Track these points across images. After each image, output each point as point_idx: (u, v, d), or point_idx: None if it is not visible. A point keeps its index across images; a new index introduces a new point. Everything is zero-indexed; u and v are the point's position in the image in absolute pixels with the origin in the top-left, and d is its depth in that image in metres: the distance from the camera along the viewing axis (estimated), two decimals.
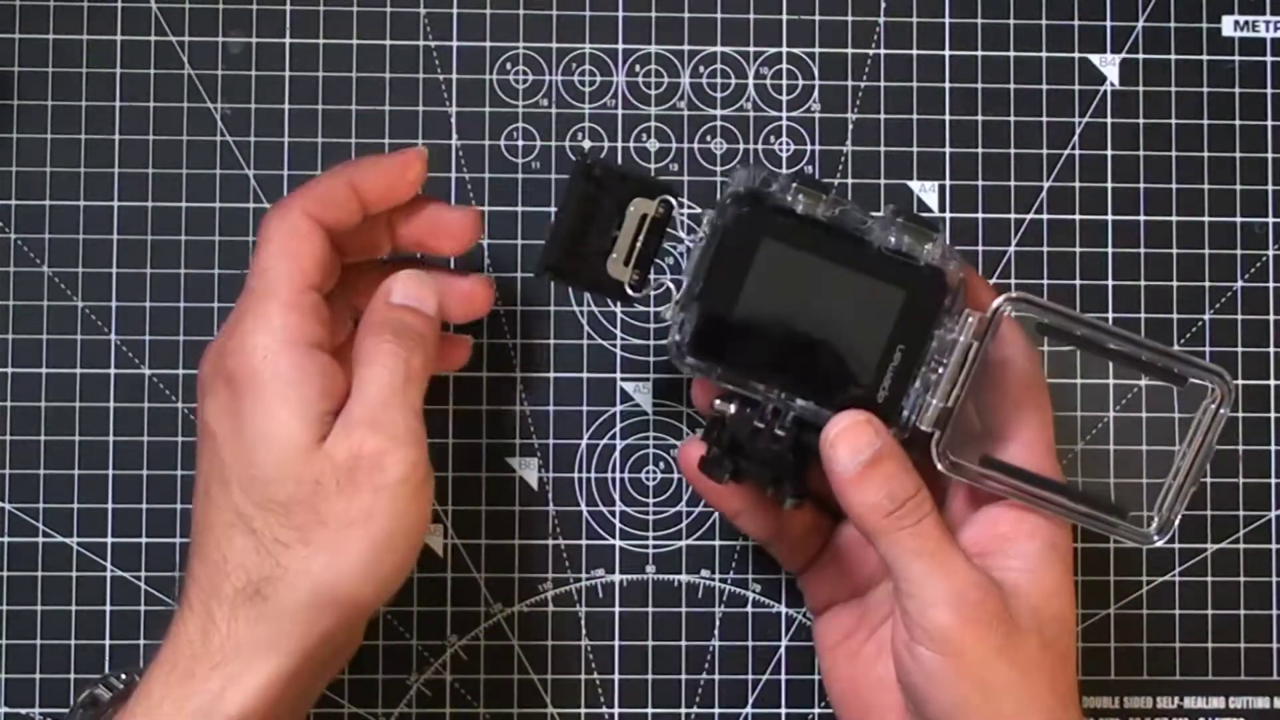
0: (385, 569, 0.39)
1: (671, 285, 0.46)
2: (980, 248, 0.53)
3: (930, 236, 0.40)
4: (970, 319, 0.40)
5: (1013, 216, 0.54)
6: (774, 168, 0.45)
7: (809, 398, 0.41)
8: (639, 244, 0.41)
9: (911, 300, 0.40)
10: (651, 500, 0.53)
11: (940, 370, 0.40)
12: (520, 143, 0.53)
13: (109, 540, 0.51)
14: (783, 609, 0.52)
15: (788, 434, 0.41)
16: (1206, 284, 0.53)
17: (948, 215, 0.53)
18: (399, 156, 0.43)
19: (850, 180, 0.53)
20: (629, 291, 0.41)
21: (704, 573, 0.52)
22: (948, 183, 0.53)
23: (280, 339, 0.39)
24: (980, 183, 0.53)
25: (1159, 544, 0.41)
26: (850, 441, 0.40)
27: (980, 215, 0.53)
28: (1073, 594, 0.41)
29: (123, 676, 0.46)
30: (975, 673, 0.38)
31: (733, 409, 0.41)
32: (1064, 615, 0.40)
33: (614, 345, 0.52)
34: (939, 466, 0.41)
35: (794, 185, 0.40)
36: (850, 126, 0.53)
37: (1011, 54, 0.53)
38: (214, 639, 0.39)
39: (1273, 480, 0.53)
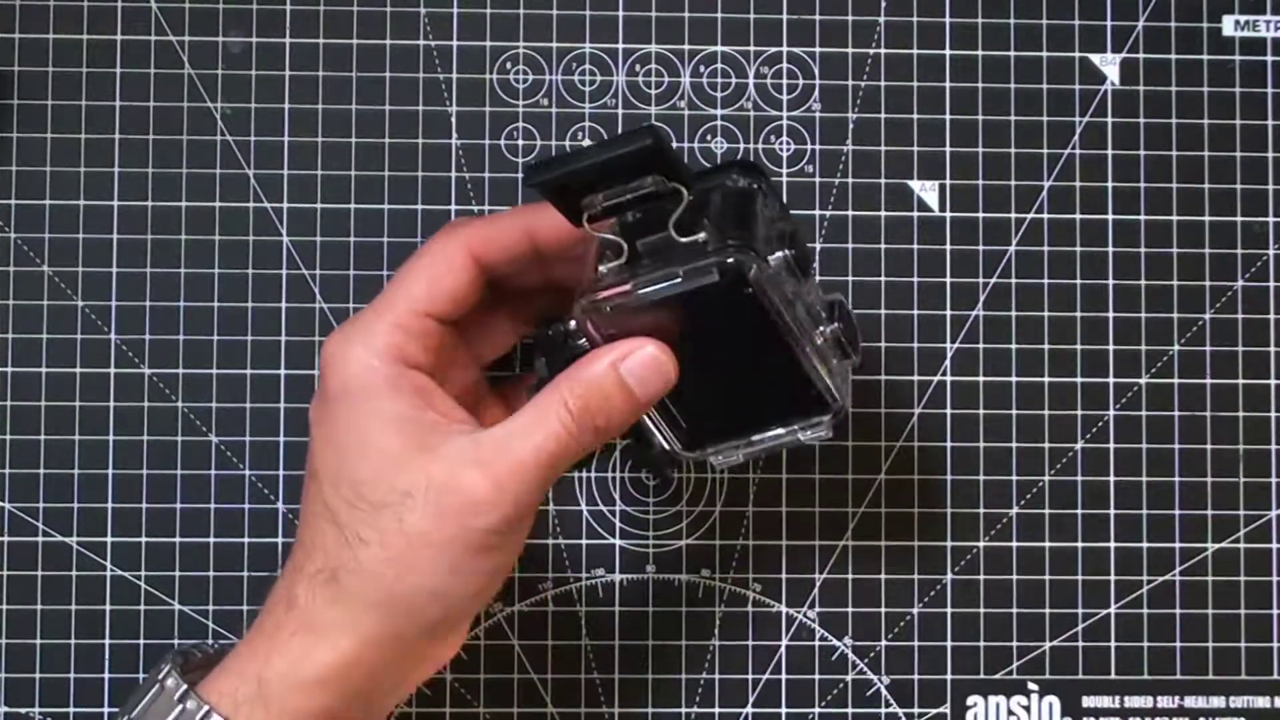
0: (454, 597, 0.39)
1: (623, 245, 0.41)
2: (981, 247, 0.53)
3: (849, 355, 0.40)
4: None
5: (1013, 216, 0.53)
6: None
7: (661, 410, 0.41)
8: (629, 215, 0.39)
9: (797, 400, 0.40)
10: (651, 500, 0.52)
11: (767, 442, 0.42)
12: (520, 142, 0.52)
13: (108, 540, 0.51)
14: (783, 609, 0.52)
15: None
16: (1207, 284, 0.53)
17: (948, 214, 0.53)
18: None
19: (850, 179, 0.53)
20: (584, 222, 0.39)
21: (704, 572, 0.52)
22: (948, 182, 0.53)
23: (377, 354, 0.39)
24: (981, 182, 0.53)
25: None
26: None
27: (981, 215, 0.53)
28: None
29: (209, 643, 0.47)
30: None
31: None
32: None
33: None
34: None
35: (786, 258, 0.39)
36: (851, 126, 0.52)
37: (1012, 54, 0.53)
38: (295, 610, 0.40)
39: (1273, 480, 0.53)
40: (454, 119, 0.52)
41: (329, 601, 0.39)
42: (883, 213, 0.52)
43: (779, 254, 0.38)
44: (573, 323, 0.39)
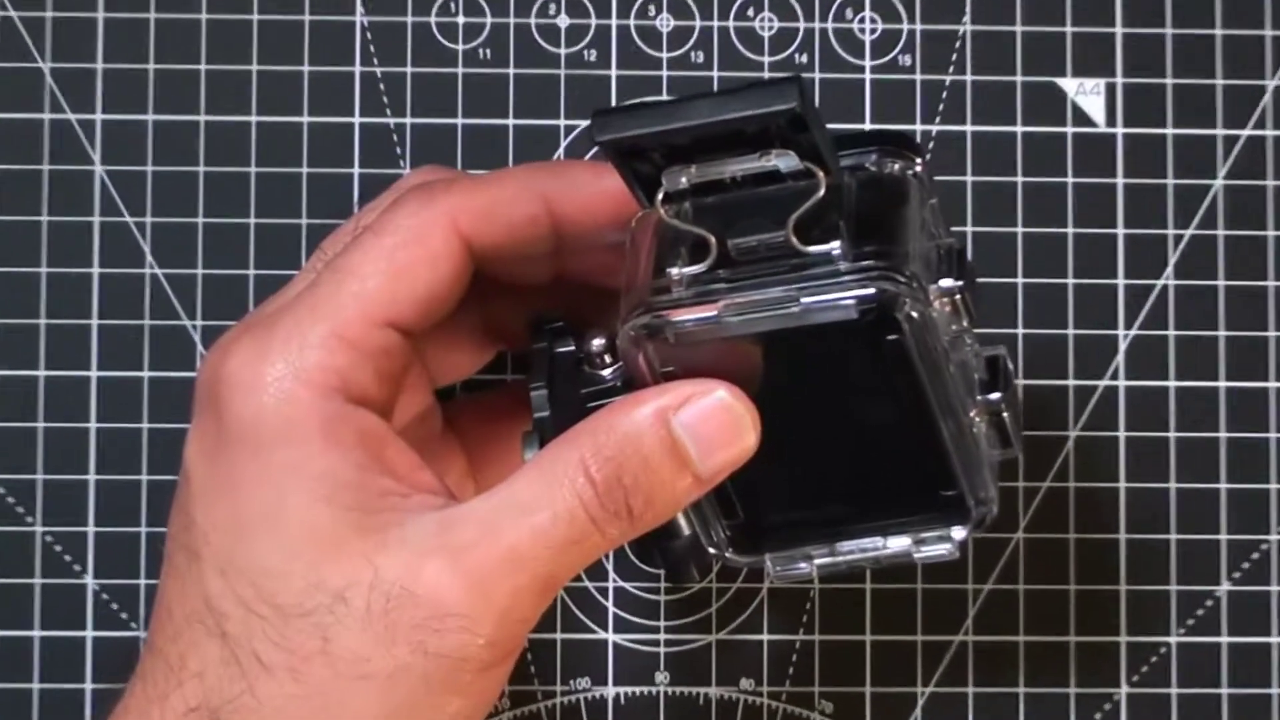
0: None
1: (711, 240, 0.36)
2: (1170, 180, 0.45)
3: (1009, 447, 0.38)
4: None
5: (1220, 132, 0.45)
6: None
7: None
8: (723, 199, 0.35)
9: (922, 498, 0.38)
10: (664, 572, 0.46)
11: (857, 553, 0.39)
12: (461, 19, 0.44)
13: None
14: None
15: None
16: None
17: (1119, 130, 0.45)
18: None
19: (969, 77, 0.45)
20: (658, 203, 0.35)
21: (745, 684, 0.45)
22: (1119, 80, 0.46)
23: (306, 380, 0.35)
24: (1170, 80, 0.46)
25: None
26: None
27: (1170, 130, 0.45)
28: None
29: None
30: None
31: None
32: None
33: None
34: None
35: (953, 290, 0.36)
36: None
37: None
38: None
39: None
40: None
41: None
42: (1019, 128, 0.45)
43: (947, 283, 0.36)
44: (597, 341, 0.36)
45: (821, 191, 0.35)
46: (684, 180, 0.35)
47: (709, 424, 0.35)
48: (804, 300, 0.34)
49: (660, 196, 0.35)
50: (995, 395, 0.37)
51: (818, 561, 0.39)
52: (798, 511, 0.38)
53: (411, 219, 0.37)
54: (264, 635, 0.35)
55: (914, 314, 0.35)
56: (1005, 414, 0.37)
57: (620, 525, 0.35)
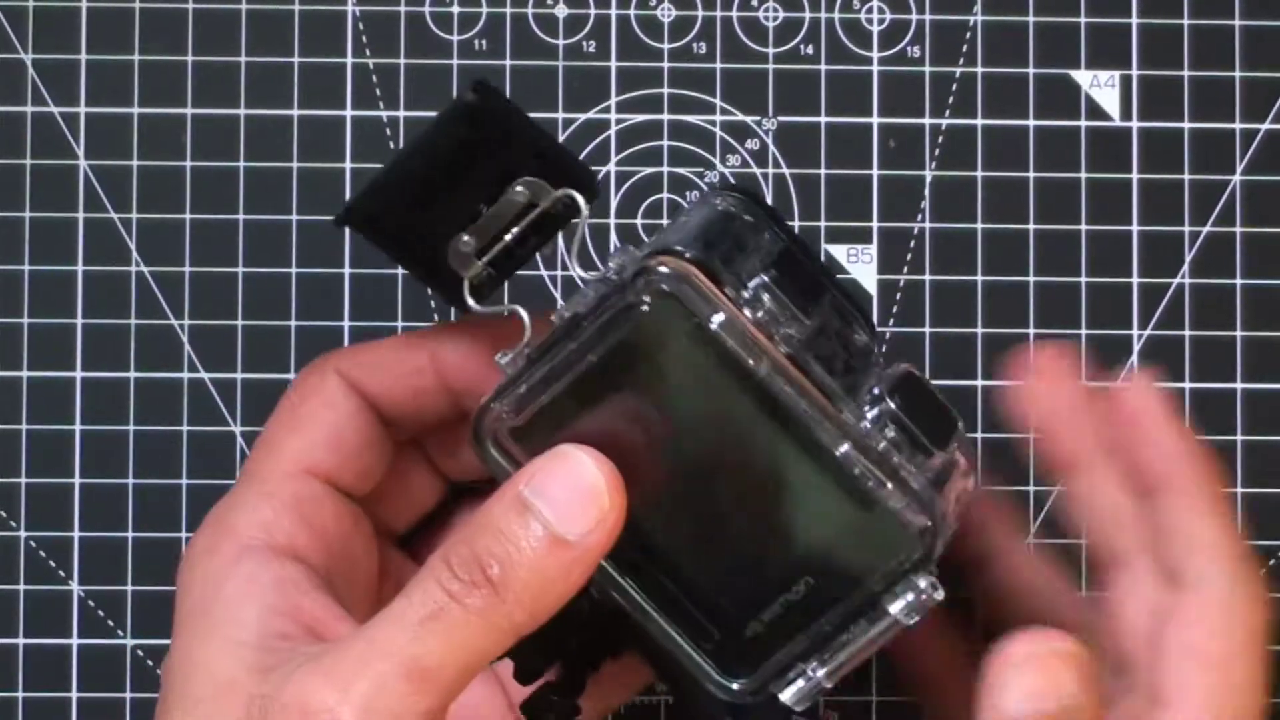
0: None
1: (525, 318, 0.37)
2: (1187, 176, 0.45)
3: (925, 448, 0.35)
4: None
5: (1238, 126, 0.45)
6: (747, 208, 0.37)
7: (643, 591, 0.36)
8: (507, 238, 0.36)
9: (852, 535, 0.35)
10: None
11: (851, 639, 0.36)
12: (456, 9, 0.44)
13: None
14: None
15: (603, 600, 0.36)
16: None
17: (1134, 124, 0.45)
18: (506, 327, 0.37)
19: (980, 69, 0.45)
20: (466, 296, 0.36)
21: None
22: (1135, 72, 0.45)
23: (234, 535, 0.37)
24: (1187, 73, 0.45)
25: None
26: (1032, 682, 0.35)
27: (1187, 125, 0.45)
28: None
29: None
30: None
31: None
32: None
33: None
34: None
35: (765, 283, 0.34)
36: None
37: None
38: None
39: None
40: None
41: None
42: (1031, 122, 0.45)
43: (760, 279, 0.34)
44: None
45: (583, 214, 0.35)
46: (468, 253, 0.35)
47: (557, 482, 0.34)
48: (569, 311, 0.34)
49: (466, 286, 0.35)
50: (883, 406, 0.34)
51: (819, 667, 0.36)
52: (755, 608, 0.36)
53: (306, 377, 0.39)
54: None
55: (691, 294, 0.33)
56: (904, 418, 0.34)
57: (482, 594, 0.34)
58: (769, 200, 0.43)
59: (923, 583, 0.34)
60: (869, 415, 0.34)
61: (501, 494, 0.34)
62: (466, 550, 0.34)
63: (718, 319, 0.32)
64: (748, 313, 0.33)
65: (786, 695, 0.35)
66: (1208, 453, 0.37)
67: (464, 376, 0.39)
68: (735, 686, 0.35)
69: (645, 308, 0.33)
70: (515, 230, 0.36)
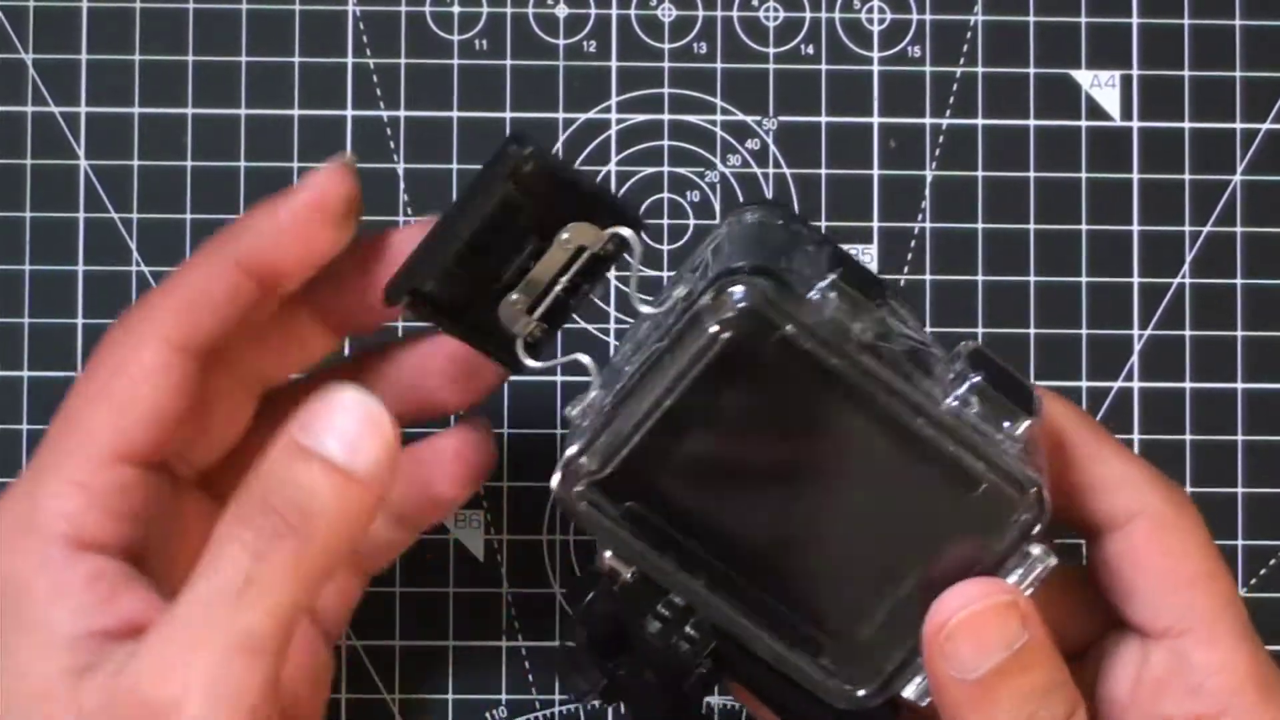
0: None
1: (590, 365, 0.37)
2: (1187, 176, 0.45)
3: (1017, 415, 0.34)
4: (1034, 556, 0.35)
5: (1239, 126, 0.45)
6: (801, 221, 0.37)
7: (749, 613, 0.35)
8: (558, 288, 0.36)
9: (957, 520, 0.34)
10: None
11: None
12: (456, 9, 0.44)
13: None
14: None
15: (701, 638, 0.36)
16: None
17: (1135, 124, 0.45)
18: (302, 193, 0.36)
19: (980, 69, 0.45)
20: (521, 355, 0.36)
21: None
22: (1136, 72, 0.45)
23: (36, 529, 0.35)
24: (1188, 73, 0.45)
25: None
26: (980, 632, 0.34)
27: (1187, 124, 0.45)
28: None
29: None
30: None
31: (630, 575, 0.36)
32: None
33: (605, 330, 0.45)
34: None
35: (833, 282, 0.34)
36: None
37: None
38: None
39: None
40: None
41: None
42: (1031, 122, 0.45)
43: (827, 280, 0.33)
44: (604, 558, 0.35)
45: (638, 247, 0.35)
46: (519, 313, 0.35)
47: (335, 420, 0.34)
48: (654, 345, 0.33)
49: (520, 345, 0.35)
50: (972, 379, 0.34)
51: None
52: (867, 609, 0.35)
53: (117, 348, 0.37)
54: None
55: (777, 303, 0.33)
56: (991, 388, 0.34)
57: (290, 546, 0.34)
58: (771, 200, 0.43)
59: (1036, 550, 0.34)
60: (958, 393, 0.34)
61: (281, 443, 0.34)
62: (260, 506, 0.33)
63: (800, 326, 0.32)
64: (825, 313, 0.33)
65: (910, 692, 0.35)
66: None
67: (282, 268, 0.37)
68: (860, 693, 0.35)
69: (728, 331, 0.33)
70: (565, 279, 0.36)
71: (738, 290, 0.32)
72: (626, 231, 0.35)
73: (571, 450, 0.34)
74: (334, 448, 0.33)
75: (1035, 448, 0.34)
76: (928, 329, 0.37)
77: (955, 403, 0.33)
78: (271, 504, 0.33)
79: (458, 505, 0.39)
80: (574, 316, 0.37)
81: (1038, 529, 0.34)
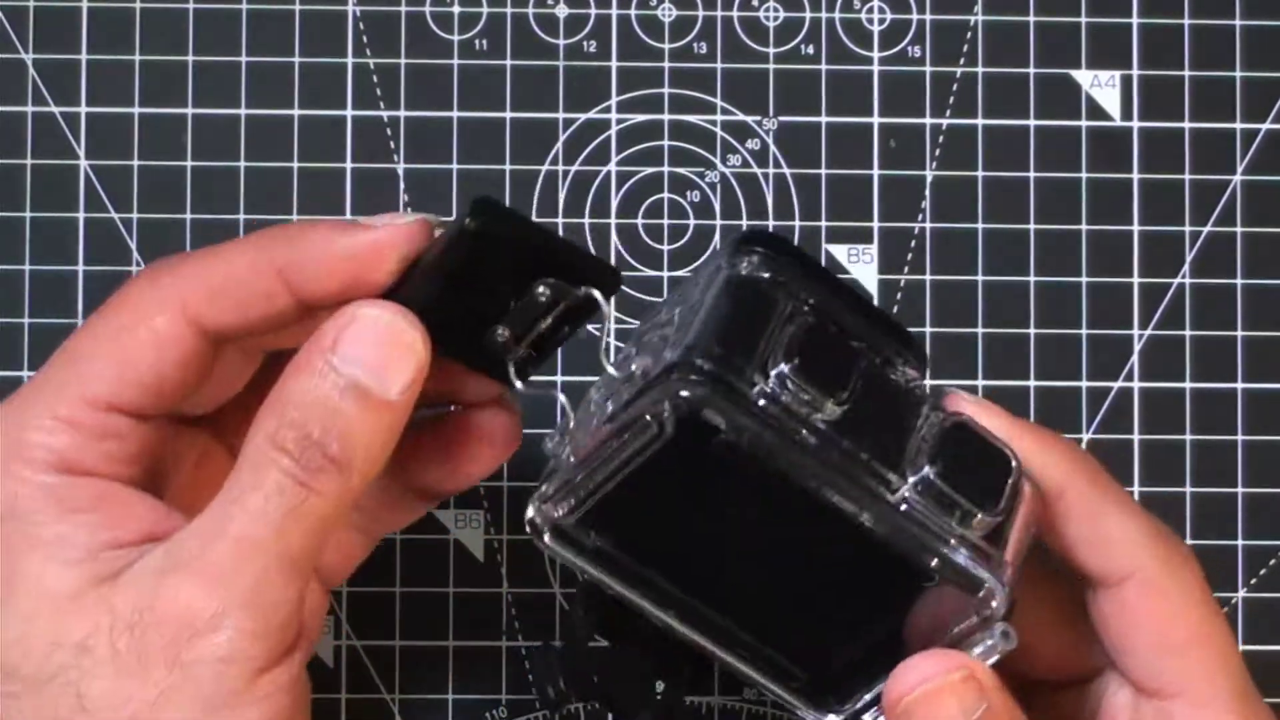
0: None
1: (564, 405, 0.38)
2: (1188, 176, 0.45)
3: (972, 517, 0.33)
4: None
5: (1239, 126, 0.45)
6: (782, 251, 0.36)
7: (722, 644, 0.36)
8: (541, 327, 0.36)
9: (919, 592, 0.34)
10: None
11: None
12: (456, 9, 0.44)
13: None
14: None
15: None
16: None
17: (1135, 124, 0.45)
18: (369, 234, 0.36)
19: (980, 69, 0.45)
20: (513, 378, 0.36)
21: (749, 692, 0.44)
22: (1136, 73, 0.45)
23: (29, 459, 0.36)
24: (1188, 73, 0.45)
25: None
26: (937, 708, 0.34)
27: (1187, 125, 0.45)
28: None
29: None
30: None
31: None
32: None
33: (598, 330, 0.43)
34: None
35: (791, 370, 0.33)
36: None
37: None
38: None
39: None
40: None
41: None
42: (1032, 122, 0.45)
43: (781, 369, 0.33)
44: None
45: (603, 310, 0.34)
46: (505, 337, 0.35)
47: (367, 346, 0.34)
48: (579, 433, 0.34)
49: (512, 369, 0.36)
50: (925, 472, 0.33)
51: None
52: (837, 649, 0.36)
53: (132, 299, 0.36)
54: (20, 713, 0.34)
55: (704, 401, 0.32)
56: (946, 488, 0.33)
57: (332, 477, 0.35)
58: (776, 203, 0.43)
59: (997, 632, 0.34)
60: (913, 485, 0.33)
61: (312, 366, 0.34)
62: (298, 433, 0.34)
63: (741, 431, 0.32)
64: (773, 411, 0.32)
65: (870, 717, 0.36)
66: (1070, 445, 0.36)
67: (321, 292, 0.37)
68: (831, 718, 0.36)
69: (669, 429, 0.32)
70: (545, 323, 0.36)
71: (683, 392, 0.32)
72: (596, 293, 0.35)
73: (544, 488, 0.34)
74: (369, 375, 0.34)
75: (1015, 513, 0.34)
76: (927, 329, 0.37)
77: (913, 491, 0.33)
78: (308, 432, 0.34)
79: (480, 480, 0.39)
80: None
81: (999, 618, 0.33)
